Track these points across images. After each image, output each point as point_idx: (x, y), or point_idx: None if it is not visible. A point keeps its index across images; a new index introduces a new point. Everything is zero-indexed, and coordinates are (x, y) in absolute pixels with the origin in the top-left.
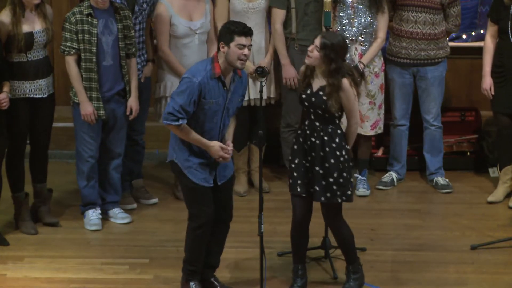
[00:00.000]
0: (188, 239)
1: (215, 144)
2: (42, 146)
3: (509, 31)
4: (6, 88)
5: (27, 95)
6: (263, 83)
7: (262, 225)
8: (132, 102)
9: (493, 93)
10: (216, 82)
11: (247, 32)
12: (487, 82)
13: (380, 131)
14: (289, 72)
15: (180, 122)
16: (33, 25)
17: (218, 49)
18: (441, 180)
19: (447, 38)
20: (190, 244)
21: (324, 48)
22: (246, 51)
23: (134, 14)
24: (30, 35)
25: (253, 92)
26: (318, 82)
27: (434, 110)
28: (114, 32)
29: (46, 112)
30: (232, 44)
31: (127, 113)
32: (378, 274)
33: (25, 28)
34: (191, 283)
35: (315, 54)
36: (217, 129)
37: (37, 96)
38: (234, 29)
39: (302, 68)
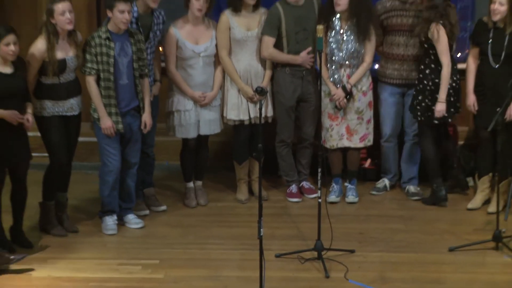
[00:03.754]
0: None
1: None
2: (69, 160)
3: (489, 54)
4: (29, 110)
5: (61, 114)
6: (262, 102)
7: (262, 229)
8: (146, 117)
9: (477, 108)
10: None
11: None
12: (471, 99)
13: (369, 143)
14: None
15: None
16: (66, 52)
17: None
18: (412, 188)
19: None
20: None
21: None
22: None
23: (148, 39)
24: (63, 61)
25: (253, 111)
26: None
27: (416, 125)
28: (129, 54)
29: (76, 128)
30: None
31: (141, 127)
32: (365, 273)
33: (59, 55)
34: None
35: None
36: None
37: (69, 114)
38: None
39: None
